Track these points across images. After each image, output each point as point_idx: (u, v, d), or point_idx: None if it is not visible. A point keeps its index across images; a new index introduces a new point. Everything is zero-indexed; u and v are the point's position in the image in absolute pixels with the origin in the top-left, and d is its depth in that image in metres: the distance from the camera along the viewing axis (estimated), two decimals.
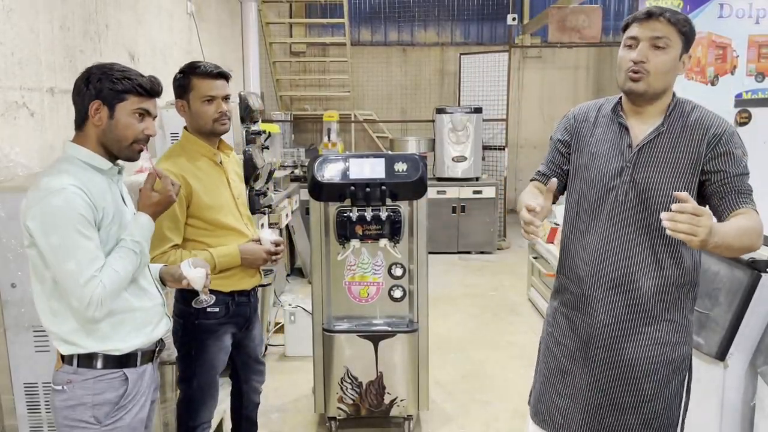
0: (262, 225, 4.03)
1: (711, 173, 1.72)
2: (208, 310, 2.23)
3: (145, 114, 1.74)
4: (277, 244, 2.40)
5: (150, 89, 1.74)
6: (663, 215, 1.48)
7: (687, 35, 1.71)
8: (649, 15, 1.69)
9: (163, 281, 1.95)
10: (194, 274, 1.89)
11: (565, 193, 1.97)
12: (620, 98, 1.85)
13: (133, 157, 1.77)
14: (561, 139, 1.95)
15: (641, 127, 1.79)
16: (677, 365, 1.81)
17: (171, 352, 2.39)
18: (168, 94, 2.34)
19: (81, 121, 1.72)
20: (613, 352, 1.82)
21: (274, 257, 2.39)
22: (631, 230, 1.77)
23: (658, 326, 1.79)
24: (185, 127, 2.36)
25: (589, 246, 1.83)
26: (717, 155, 1.71)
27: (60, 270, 1.59)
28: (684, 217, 1.45)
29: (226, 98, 2.31)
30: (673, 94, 1.80)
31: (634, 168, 1.77)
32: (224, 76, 2.32)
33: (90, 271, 1.60)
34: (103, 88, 1.68)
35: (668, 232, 1.47)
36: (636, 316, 1.79)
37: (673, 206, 1.46)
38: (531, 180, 2.05)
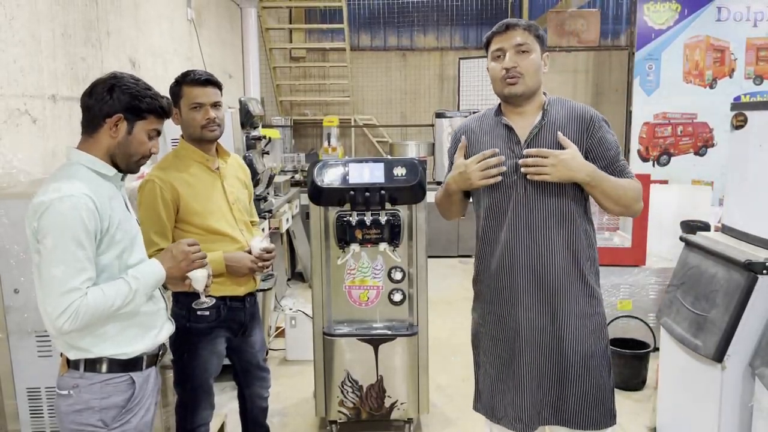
0: (263, 230, 4.04)
1: (594, 159, 1.91)
2: (199, 313, 2.24)
3: (156, 134, 1.78)
4: (267, 251, 2.39)
5: (168, 111, 1.78)
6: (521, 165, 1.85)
7: (541, 38, 1.94)
8: (508, 27, 1.91)
9: (164, 284, 1.96)
10: (197, 273, 1.89)
11: (471, 201, 2.13)
12: (499, 105, 2.02)
13: (134, 171, 1.80)
14: (456, 153, 2.05)
15: (523, 125, 1.95)
16: (597, 334, 1.98)
17: None
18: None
19: (93, 127, 1.70)
20: (541, 333, 1.95)
21: (261, 264, 2.38)
22: (538, 218, 1.93)
23: (575, 302, 1.94)
24: (181, 135, 2.39)
25: (502, 241, 1.96)
26: (595, 140, 1.92)
27: (46, 273, 1.57)
28: (531, 161, 1.83)
29: (215, 105, 2.33)
30: (545, 93, 1.99)
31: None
32: (213, 83, 2.34)
33: (74, 282, 1.56)
34: (127, 103, 1.68)
35: (529, 176, 1.84)
36: (554, 297, 1.93)
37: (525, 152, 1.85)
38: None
